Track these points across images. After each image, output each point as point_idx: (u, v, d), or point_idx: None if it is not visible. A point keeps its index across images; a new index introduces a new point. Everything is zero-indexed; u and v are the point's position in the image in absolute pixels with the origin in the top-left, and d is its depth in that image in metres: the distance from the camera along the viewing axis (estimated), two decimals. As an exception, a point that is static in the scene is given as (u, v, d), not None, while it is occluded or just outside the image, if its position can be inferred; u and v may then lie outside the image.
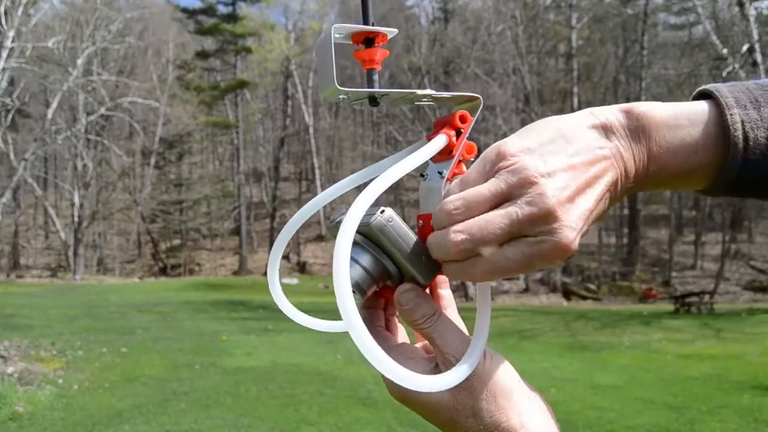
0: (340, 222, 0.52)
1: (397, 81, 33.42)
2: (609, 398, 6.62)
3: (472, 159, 0.56)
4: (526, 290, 25.72)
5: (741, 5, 16.16)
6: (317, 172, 38.18)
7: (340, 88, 0.51)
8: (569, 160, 0.46)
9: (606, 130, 0.48)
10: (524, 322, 14.29)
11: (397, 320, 0.58)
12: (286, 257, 37.07)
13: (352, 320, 0.43)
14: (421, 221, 0.54)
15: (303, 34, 40.14)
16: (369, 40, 0.54)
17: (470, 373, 0.47)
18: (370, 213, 0.49)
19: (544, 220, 0.44)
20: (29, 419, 5.76)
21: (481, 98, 0.56)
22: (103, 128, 34.12)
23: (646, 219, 33.31)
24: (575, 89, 28.62)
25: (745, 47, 16.25)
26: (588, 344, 10.57)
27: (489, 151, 0.48)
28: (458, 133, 0.54)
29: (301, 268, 33.65)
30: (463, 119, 0.54)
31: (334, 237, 0.54)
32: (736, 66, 16.50)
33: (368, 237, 0.50)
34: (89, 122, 31.31)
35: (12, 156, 28.17)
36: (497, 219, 0.45)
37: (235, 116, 39.87)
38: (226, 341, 10.34)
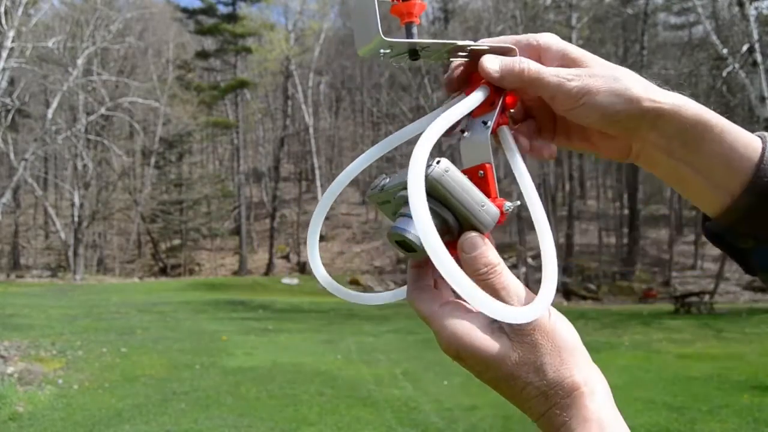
0: (383, 186, 0.52)
1: (397, 81, 33.40)
2: (609, 398, 6.61)
3: (513, 110, 0.56)
4: (526, 290, 25.72)
5: (741, 5, 16.15)
6: (317, 172, 38.17)
7: (385, 39, 0.50)
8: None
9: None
10: (524, 322, 14.28)
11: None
12: (286, 257, 37.08)
13: (440, 255, 0.42)
14: (467, 176, 0.53)
15: (303, 34, 40.11)
16: None
17: (550, 302, 0.47)
18: (426, 164, 0.47)
19: None
20: (29, 419, 5.76)
21: (518, 50, 0.55)
22: (103, 128, 34.11)
23: (646, 219, 33.31)
24: (575, 89, 28.59)
25: (745, 47, 16.25)
26: (588, 344, 10.27)
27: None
28: (496, 89, 0.54)
29: (302, 268, 33.64)
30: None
31: (376, 203, 0.53)
32: (736, 66, 16.50)
33: (427, 191, 0.47)
34: (89, 122, 31.30)
35: (12, 156, 28.16)
36: None
37: (235, 116, 39.88)
38: (226, 341, 10.34)
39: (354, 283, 27.84)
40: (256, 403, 6.37)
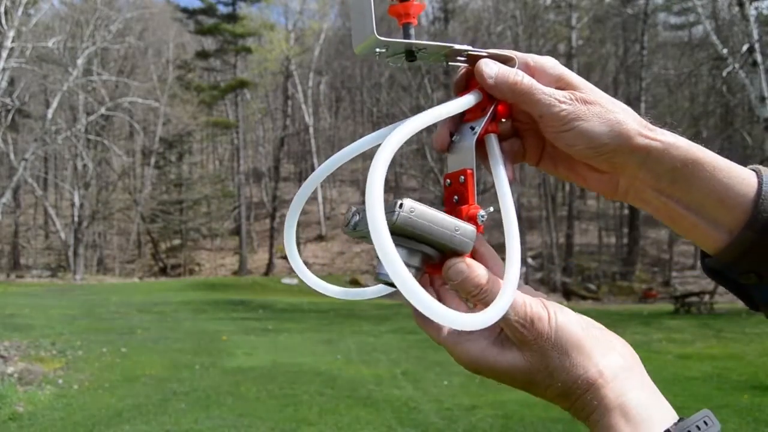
0: (356, 226, 0.51)
1: (397, 80, 33.39)
2: (609, 398, 6.61)
3: (504, 120, 0.55)
4: (526, 290, 25.74)
5: (741, 5, 16.15)
6: (317, 172, 38.17)
7: (380, 38, 0.50)
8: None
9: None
10: (524, 322, 14.28)
11: (447, 288, 0.55)
12: (285, 257, 36.99)
13: (393, 262, 0.41)
14: (449, 180, 0.53)
15: (303, 34, 40.12)
16: None
17: (505, 311, 0.45)
18: (389, 210, 0.47)
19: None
20: (29, 419, 5.76)
21: (516, 59, 0.54)
22: (103, 128, 34.12)
23: (646, 219, 33.31)
24: (575, 89, 28.57)
25: (745, 47, 16.24)
26: (588, 344, 10.55)
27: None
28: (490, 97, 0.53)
29: (301, 268, 33.62)
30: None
31: (355, 237, 0.52)
32: (736, 66, 16.50)
33: (397, 233, 0.47)
34: (89, 122, 31.31)
35: (12, 156, 28.17)
36: None
37: (235, 116, 39.87)
38: (226, 341, 10.34)
39: (354, 283, 27.84)
40: (256, 403, 6.37)
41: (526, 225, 30.01)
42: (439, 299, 0.53)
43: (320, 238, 37.68)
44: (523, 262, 27.34)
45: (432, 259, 0.50)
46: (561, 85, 0.53)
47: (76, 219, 31.53)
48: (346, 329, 12.24)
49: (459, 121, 0.54)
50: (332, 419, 5.80)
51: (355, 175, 43.13)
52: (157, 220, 37.38)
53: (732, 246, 0.50)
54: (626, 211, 31.92)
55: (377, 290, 0.58)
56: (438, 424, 5.69)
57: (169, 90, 36.29)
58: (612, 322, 14.11)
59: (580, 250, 31.51)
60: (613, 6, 29.42)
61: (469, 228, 0.49)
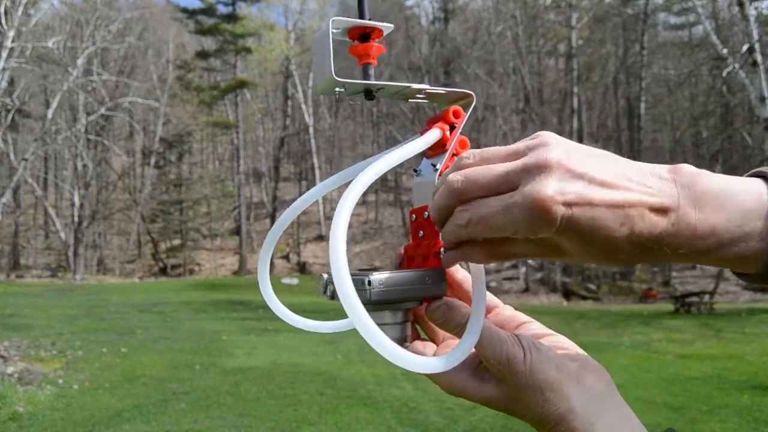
0: (333, 292, 0.51)
1: (397, 81, 33.35)
2: (609, 398, 6.61)
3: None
4: (526, 290, 25.72)
5: (741, 5, 16.15)
6: (317, 172, 38.18)
7: (337, 78, 0.51)
8: (603, 163, 0.43)
9: (652, 173, 0.45)
10: (524, 322, 14.28)
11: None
12: (286, 257, 37.07)
13: (355, 308, 0.43)
14: (414, 215, 0.55)
15: (303, 34, 40.12)
16: (365, 36, 0.54)
17: (461, 360, 0.48)
18: (359, 288, 0.48)
19: (535, 169, 0.42)
20: (29, 419, 5.76)
21: (474, 95, 0.56)
22: (103, 128, 34.13)
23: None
24: (575, 89, 28.63)
25: (745, 47, 16.24)
26: (588, 344, 10.55)
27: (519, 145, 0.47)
28: (452, 128, 0.55)
29: (301, 268, 33.66)
30: (456, 114, 0.55)
31: (333, 301, 0.53)
32: (736, 66, 16.50)
33: (375, 304, 0.50)
34: (89, 122, 31.32)
35: (12, 156, 28.17)
36: (497, 167, 0.44)
37: (235, 116, 39.87)
38: (226, 341, 10.34)
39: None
40: (256, 403, 6.37)
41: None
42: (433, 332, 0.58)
43: (320, 238, 37.68)
44: (523, 262, 27.34)
45: (416, 304, 0.53)
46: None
47: (76, 219, 31.54)
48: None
49: (421, 156, 0.56)
50: (332, 419, 5.80)
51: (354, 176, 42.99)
52: (157, 220, 37.37)
53: None
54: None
55: (345, 324, 0.61)
56: (438, 424, 5.69)
57: (169, 90, 36.29)
58: (612, 322, 14.11)
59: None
60: (613, 6, 29.42)
61: (435, 273, 0.52)
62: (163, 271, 36.25)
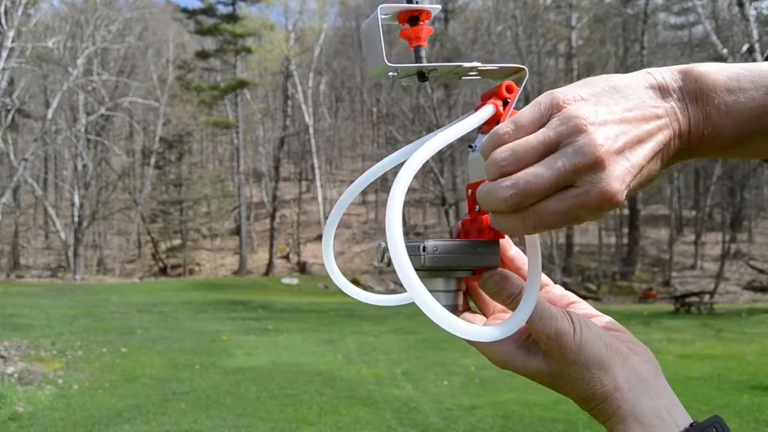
0: (390, 261, 0.52)
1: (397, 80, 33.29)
2: (609, 398, 6.61)
3: None
4: (526, 290, 25.74)
5: (741, 5, 16.16)
6: (317, 172, 38.19)
7: (389, 64, 0.53)
8: (623, 114, 0.46)
9: (662, 91, 0.48)
10: (524, 322, 14.28)
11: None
12: (286, 257, 37.08)
13: (409, 277, 0.44)
14: (470, 190, 0.56)
15: (303, 34, 40.12)
16: (414, 19, 0.56)
17: (515, 330, 0.49)
18: (414, 253, 0.50)
19: (590, 168, 0.44)
20: (29, 419, 5.76)
21: (527, 69, 0.57)
22: (103, 128, 34.13)
23: (646, 219, 33.32)
24: (575, 89, 28.57)
25: (745, 47, 16.25)
26: (588, 344, 10.56)
27: (542, 98, 0.48)
28: (505, 103, 0.56)
29: (302, 268, 33.66)
30: (509, 89, 0.56)
31: (388, 266, 0.53)
32: (736, 66, 16.50)
33: (429, 270, 0.52)
34: (89, 122, 31.32)
35: (12, 156, 28.17)
36: (545, 172, 0.45)
37: (235, 116, 39.88)
38: (226, 341, 10.34)
39: (354, 283, 27.60)
40: (256, 403, 6.37)
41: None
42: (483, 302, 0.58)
43: (320, 238, 37.61)
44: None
45: (469, 274, 0.54)
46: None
47: (76, 219, 31.54)
48: (346, 329, 12.24)
49: (477, 132, 0.57)
50: (332, 419, 5.80)
51: (355, 176, 42.94)
52: (157, 220, 37.38)
53: None
54: (626, 211, 31.94)
55: (404, 298, 0.62)
56: (438, 424, 5.69)
57: (169, 90, 36.29)
58: (612, 322, 14.10)
59: (580, 250, 31.52)
60: (613, 6, 29.43)
61: (490, 244, 0.53)
62: (163, 271, 36.24)
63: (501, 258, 0.54)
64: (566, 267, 28.17)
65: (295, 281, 27.74)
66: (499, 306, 0.57)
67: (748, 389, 6.99)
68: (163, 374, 7.67)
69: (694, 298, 17.37)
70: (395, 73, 0.55)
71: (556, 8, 30.84)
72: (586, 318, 0.53)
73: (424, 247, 0.50)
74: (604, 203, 0.44)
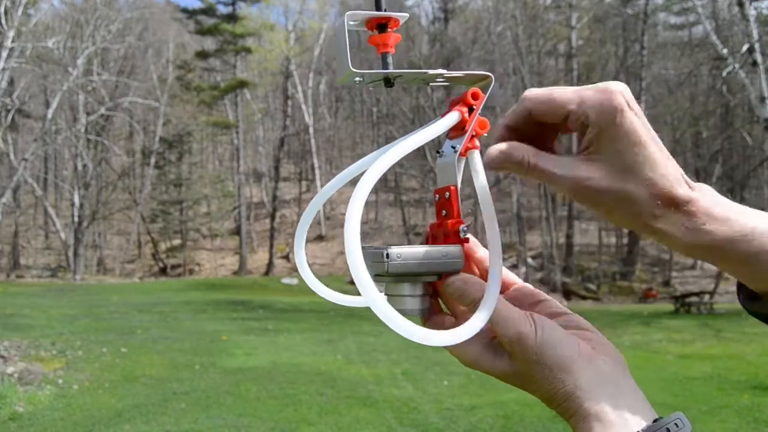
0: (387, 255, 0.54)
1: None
2: (609, 398, 6.61)
3: (485, 134, 0.59)
4: (526, 290, 25.72)
5: (741, 5, 16.15)
6: (317, 172, 38.18)
7: (355, 70, 0.54)
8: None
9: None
10: (524, 322, 14.28)
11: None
12: (285, 257, 37.06)
13: (364, 284, 0.46)
14: (437, 195, 0.57)
15: (303, 34, 40.12)
16: (382, 26, 0.56)
17: (471, 334, 0.49)
18: (378, 260, 0.52)
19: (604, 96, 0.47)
20: (29, 419, 5.76)
21: (493, 76, 0.58)
22: (103, 128, 34.12)
23: (646, 219, 33.21)
24: (575, 89, 28.56)
25: (745, 47, 16.24)
26: (588, 344, 10.56)
27: None
28: (470, 110, 0.57)
29: (301, 268, 33.61)
30: (475, 96, 0.57)
31: (392, 276, 0.54)
32: (736, 66, 16.50)
33: (394, 276, 0.53)
34: (89, 122, 31.31)
35: (12, 156, 28.17)
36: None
37: (235, 116, 39.87)
38: (226, 341, 10.34)
39: (354, 284, 27.80)
40: (256, 403, 6.37)
41: (526, 225, 30.00)
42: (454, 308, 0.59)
43: (320, 238, 37.67)
44: (524, 262, 27.35)
45: (434, 278, 0.56)
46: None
47: (76, 219, 31.53)
48: (346, 329, 12.24)
49: (445, 137, 0.59)
50: (332, 419, 5.80)
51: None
52: (157, 220, 37.36)
53: None
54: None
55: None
56: (438, 424, 5.69)
57: (169, 90, 36.28)
58: (612, 322, 14.11)
59: (580, 250, 31.51)
60: (613, 6, 29.42)
61: (453, 249, 0.54)
62: (163, 271, 36.23)
63: (468, 261, 0.56)
64: (566, 267, 28.16)
65: (295, 281, 27.73)
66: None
67: (748, 389, 6.99)
68: (163, 374, 7.67)
69: (694, 298, 17.36)
70: (361, 79, 0.56)
71: (556, 8, 30.83)
72: (554, 317, 0.55)
73: (387, 254, 0.52)
74: (605, 93, 0.48)
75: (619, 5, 28.96)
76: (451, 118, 0.56)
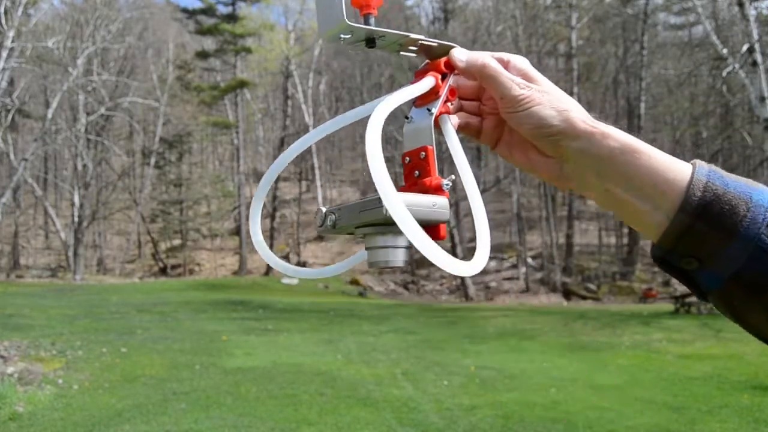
0: (335, 223, 0.57)
1: (397, 80, 33.42)
2: (609, 398, 6.62)
3: (454, 102, 0.63)
4: (526, 290, 25.72)
5: (741, 5, 16.14)
6: (317, 172, 38.16)
7: (349, 23, 0.55)
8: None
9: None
10: (524, 322, 14.28)
11: None
12: (286, 257, 37.05)
13: (406, 222, 0.48)
14: (408, 158, 0.60)
15: (303, 34, 40.09)
16: None
17: (485, 263, 0.54)
18: (375, 206, 0.53)
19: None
20: (29, 419, 5.76)
21: (484, 57, 0.61)
22: (103, 128, 34.11)
23: (646, 219, 33.19)
24: (575, 89, 28.61)
25: (745, 47, 16.23)
26: (588, 344, 10.57)
27: None
28: (444, 77, 0.60)
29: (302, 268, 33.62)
30: (447, 65, 0.61)
31: (333, 234, 0.58)
32: (736, 66, 16.50)
33: (388, 223, 0.54)
34: (89, 122, 31.30)
35: (12, 156, 28.16)
36: None
37: (235, 116, 39.86)
38: (226, 341, 10.34)
39: (354, 283, 27.85)
40: (256, 403, 6.37)
41: (526, 225, 29.99)
42: None
43: (320, 238, 37.65)
44: (524, 262, 27.35)
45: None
46: (524, 77, 0.60)
47: (76, 219, 31.51)
48: (346, 329, 12.24)
49: (411, 106, 0.62)
50: (332, 419, 5.80)
51: (355, 176, 43.13)
52: (157, 220, 37.35)
53: (669, 230, 0.54)
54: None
55: (348, 263, 0.68)
56: (438, 424, 5.69)
57: (169, 90, 36.27)
58: (612, 322, 14.11)
59: (580, 250, 31.50)
60: (613, 6, 29.40)
61: (442, 200, 0.56)
62: (163, 271, 36.22)
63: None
64: (566, 267, 28.15)
65: (295, 281, 27.72)
66: None
67: (748, 389, 6.99)
68: (163, 374, 7.67)
69: (694, 299, 17.35)
70: (349, 35, 0.57)
71: (556, 8, 30.81)
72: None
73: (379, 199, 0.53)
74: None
75: (619, 5, 28.94)
76: (428, 81, 0.59)
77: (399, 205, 0.48)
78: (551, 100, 0.58)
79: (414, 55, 0.62)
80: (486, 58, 0.60)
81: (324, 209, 0.58)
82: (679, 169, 0.55)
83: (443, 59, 0.60)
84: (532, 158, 0.61)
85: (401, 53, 0.62)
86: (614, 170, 0.56)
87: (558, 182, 0.61)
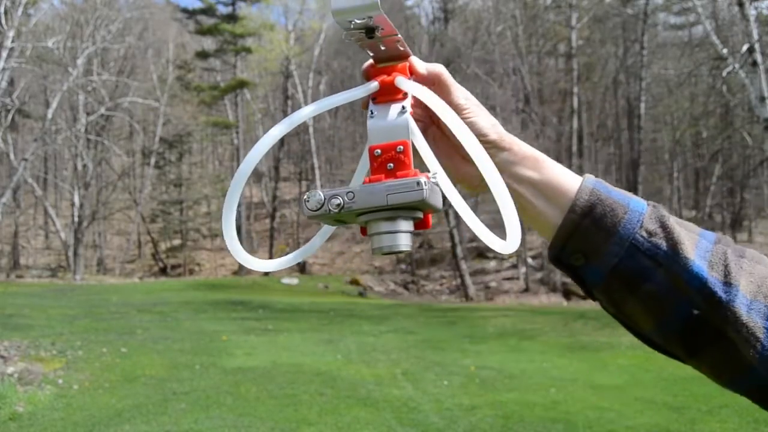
0: (341, 205, 0.58)
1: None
2: (609, 398, 6.63)
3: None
4: (526, 290, 25.71)
5: (741, 5, 16.14)
6: (317, 172, 38.15)
7: (380, 4, 0.56)
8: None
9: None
10: (524, 322, 14.29)
11: None
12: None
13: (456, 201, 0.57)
14: (379, 150, 0.61)
15: (303, 34, 40.09)
16: None
17: (519, 241, 0.57)
18: (416, 188, 0.56)
19: None
20: (29, 419, 5.76)
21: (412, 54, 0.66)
22: (103, 128, 34.11)
23: (646, 219, 33.19)
24: (575, 89, 28.61)
25: (745, 47, 16.23)
26: (588, 344, 10.57)
27: None
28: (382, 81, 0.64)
29: (301, 268, 33.62)
30: (410, 70, 0.65)
31: (326, 220, 0.61)
32: (736, 66, 16.50)
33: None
34: (89, 122, 31.30)
35: (12, 156, 28.16)
36: None
37: (235, 116, 39.86)
38: (226, 341, 10.34)
39: (354, 283, 27.85)
40: (256, 403, 6.37)
41: (525, 226, 29.93)
42: None
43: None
44: (524, 262, 27.34)
45: (420, 215, 0.61)
46: (443, 85, 0.67)
47: (76, 219, 31.51)
48: (346, 329, 12.24)
49: (372, 101, 0.64)
50: (332, 419, 5.80)
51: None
52: (157, 220, 37.35)
53: (561, 228, 0.62)
54: (626, 211, 31.84)
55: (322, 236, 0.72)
56: (438, 424, 5.69)
57: (169, 90, 36.27)
58: (612, 322, 13.99)
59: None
60: (613, 6, 29.40)
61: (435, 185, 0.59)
62: (163, 271, 36.23)
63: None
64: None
65: (295, 281, 27.73)
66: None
67: (748, 389, 6.97)
68: (163, 374, 7.67)
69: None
70: (362, 20, 0.58)
71: (556, 8, 30.81)
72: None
73: (418, 183, 0.55)
74: None
75: (619, 5, 28.94)
76: (371, 86, 0.63)
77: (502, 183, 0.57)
78: (485, 113, 0.65)
79: (370, 53, 0.64)
80: (440, 67, 0.66)
81: (321, 192, 0.59)
82: (572, 178, 0.64)
83: (401, 64, 0.64)
84: (456, 163, 0.68)
85: (362, 48, 0.64)
86: (528, 172, 0.64)
87: (476, 188, 0.67)
